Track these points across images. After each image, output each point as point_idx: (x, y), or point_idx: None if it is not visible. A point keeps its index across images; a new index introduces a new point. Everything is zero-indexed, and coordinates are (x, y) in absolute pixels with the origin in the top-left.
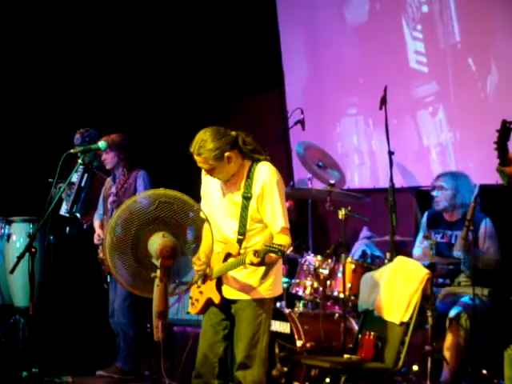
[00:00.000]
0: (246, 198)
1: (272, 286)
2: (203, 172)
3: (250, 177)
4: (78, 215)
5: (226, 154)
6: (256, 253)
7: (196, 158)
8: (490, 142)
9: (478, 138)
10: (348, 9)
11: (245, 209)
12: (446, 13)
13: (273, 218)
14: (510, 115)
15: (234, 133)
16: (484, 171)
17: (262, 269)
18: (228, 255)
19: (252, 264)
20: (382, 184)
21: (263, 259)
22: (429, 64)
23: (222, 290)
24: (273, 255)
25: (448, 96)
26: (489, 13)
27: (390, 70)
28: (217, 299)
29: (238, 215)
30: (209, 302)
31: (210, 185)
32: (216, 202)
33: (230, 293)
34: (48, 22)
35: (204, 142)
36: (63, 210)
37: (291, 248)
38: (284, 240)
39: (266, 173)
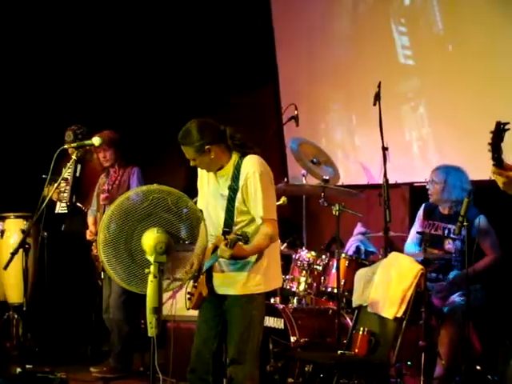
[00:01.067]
0: (232, 190)
1: (262, 281)
2: None
3: (237, 169)
4: (80, 205)
5: (207, 146)
6: (227, 242)
7: (181, 147)
8: (472, 135)
9: (460, 131)
10: (339, 5)
11: (231, 201)
12: (427, 3)
13: (256, 208)
14: (491, 106)
15: (222, 127)
16: (468, 164)
17: (251, 264)
18: (216, 248)
19: (223, 256)
20: (375, 180)
21: (234, 249)
22: (414, 57)
23: (212, 283)
24: (245, 246)
25: (430, 90)
26: (470, 2)
27: (378, 66)
28: (205, 292)
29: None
30: (201, 296)
31: (204, 179)
32: (209, 196)
33: (220, 289)
34: (39, 21)
35: (188, 133)
36: (58, 207)
37: (284, 244)
38: (265, 231)
39: (250, 164)
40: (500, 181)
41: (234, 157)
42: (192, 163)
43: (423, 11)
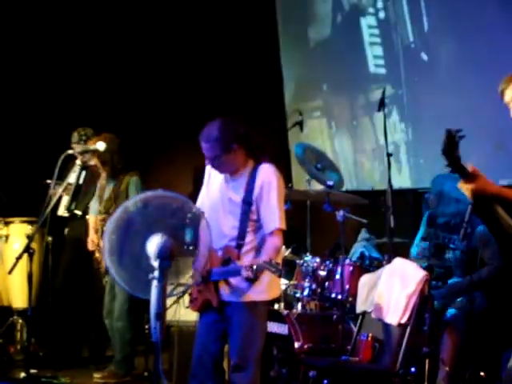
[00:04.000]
0: (247, 204)
1: (265, 289)
2: (208, 166)
3: (252, 181)
4: (79, 212)
5: (234, 145)
6: (251, 268)
7: (203, 145)
8: (430, 125)
9: (430, 135)
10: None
11: (245, 214)
12: (400, 16)
13: (268, 218)
14: (458, 111)
15: (242, 129)
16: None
17: None
18: (228, 259)
19: (248, 279)
20: (379, 186)
21: (257, 276)
22: (386, 65)
23: (219, 292)
24: (272, 257)
25: (402, 97)
26: (439, 14)
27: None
28: (215, 302)
29: (237, 215)
30: (206, 303)
31: (212, 180)
32: (216, 198)
33: (223, 295)
34: (43, 24)
35: (214, 130)
36: (61, 210)
37: (289, 250)
38: (276, 244)
39: (265, 174)
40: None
41: (250, 164)
42: (211, 163)
43: (396, 24)
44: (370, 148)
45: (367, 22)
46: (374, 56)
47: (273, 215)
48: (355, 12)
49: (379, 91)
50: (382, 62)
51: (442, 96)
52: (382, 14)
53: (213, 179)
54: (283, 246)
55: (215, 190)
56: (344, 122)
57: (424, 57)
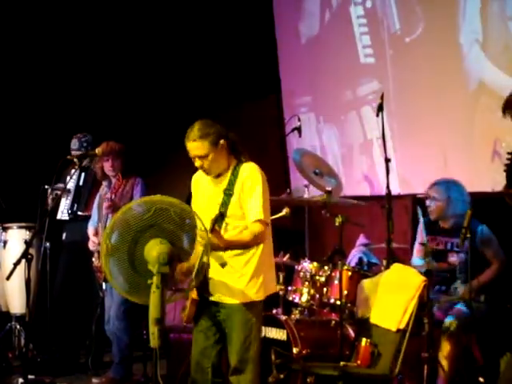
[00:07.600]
0: (227, 195)
1: (261, 287)
2: (194, 177)
3: (234, 176)
4: (80, 213)
5: (221, 140)
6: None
7: (192, 144)
8: (427, 130)
9: (415, 127)
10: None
11: (224, 204)
12: (386, 4)
13: (252, 209)
14: (444, 106)
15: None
16: (419, 158)
17: (250, 272)
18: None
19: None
20: (376, 191)
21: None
22: (374, 55)
23: (203, 289)
24: (225, 236)
25: (388, 91)
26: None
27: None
28: (194, 295)
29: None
30: (193, 303)
31: (199, 188)
32: (205, 202)
33: (219, 297)
34: (44, 29)
35: (200, 128)
36: (60, 214)
37: (287, 255)
38: (252, 229)
39: (248, 170)
40: None
41: (232, 163)
42: (199, 163)
43: (383, 12)
44: (358, 142)
45: (356, 13)
46: (364, 46)
47: (256, 207)
48: (345, 4)
49: (367, 86)
50: (370, 51)
51: (427, 93)
52: (369, 3)
53: (200, 187)
54: (281, 252)
55: (204, 196)
56: (332, 117)
57: (407, 40)
